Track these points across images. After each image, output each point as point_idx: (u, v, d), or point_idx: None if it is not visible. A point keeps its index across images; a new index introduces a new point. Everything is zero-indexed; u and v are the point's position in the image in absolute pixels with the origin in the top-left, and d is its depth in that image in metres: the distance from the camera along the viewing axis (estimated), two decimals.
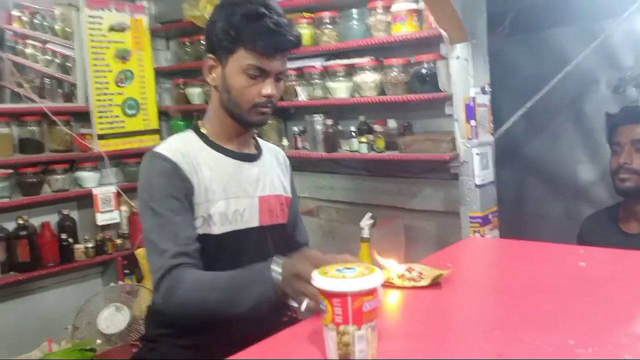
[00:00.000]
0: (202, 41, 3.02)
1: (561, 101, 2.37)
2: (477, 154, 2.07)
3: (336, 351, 0.73)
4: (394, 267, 1.10)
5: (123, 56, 3.02)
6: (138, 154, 3.07)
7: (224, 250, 1.27)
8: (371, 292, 0.73)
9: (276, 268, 1.03)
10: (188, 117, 3.22)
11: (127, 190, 2.95)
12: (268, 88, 1.24)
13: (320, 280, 0.74)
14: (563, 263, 1.14)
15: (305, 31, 2.45)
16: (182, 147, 1.27)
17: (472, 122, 2.07)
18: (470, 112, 2.06)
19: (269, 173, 1.39)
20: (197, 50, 3.09)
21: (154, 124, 3.18)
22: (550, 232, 2.12)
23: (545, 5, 2.29)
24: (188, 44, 3.14)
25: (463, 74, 2.06)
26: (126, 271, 2.96)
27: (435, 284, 1.05)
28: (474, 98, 2.06)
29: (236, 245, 1.29)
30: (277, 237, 1.39)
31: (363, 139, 2.38)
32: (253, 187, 1.34)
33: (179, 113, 3.28)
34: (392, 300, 1.00)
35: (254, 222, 1.32)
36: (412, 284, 1.05)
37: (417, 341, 0.81)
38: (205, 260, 1.22)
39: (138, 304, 2.57)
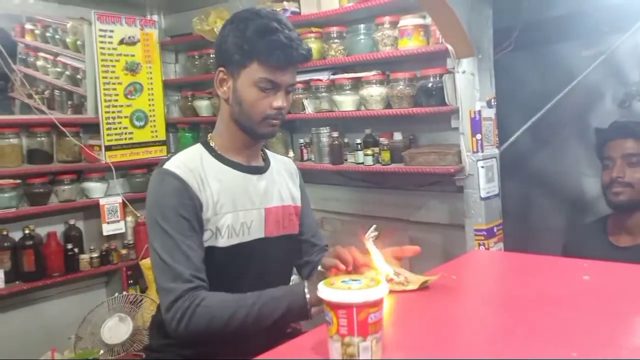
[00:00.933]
0: (211, 55, 3.07)
1: (567, 115, 2.37)
2: (483, 167, 2.08)
3: None
4: (383, 268, 1.11)
5: (132, 69, 3.06)
6: (145, 165, 3.10)
7: (230, 263, 1.29)
8: (376, 304, 0.74)
9: (306, 284, 1.15)
10: (196, 129, 3.25)
11: (133, 201, 2.97)
12: (279, 101, 1.27)
13: (326, 291, 0.74)
14: (567, 276, 1.14)
15: (313, 45, 2.48)
16: (190, 163, 1.28)
17: (478, 136, 2.07)
18: (475, 126, 2.07)
19: (277, 184, 1.41)
20: (205, 63, 3.13)
21: (161, 135, 3.21)
22: (555, 246, 2.11)
23: (551, 21, 2.31)
24: (197, 57, 3.18)
25: (469, 88, 2.08)
26: (130, 281, 2.96)
27: (423, 288, 1.08)
28: (479, 112, 2.07)
29: (242, 257, 1.31)
30: (287, 247, 1.41)
31: (368, 152, 2.40)
32: (260, 200, 1.35)
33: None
34: (396, 311, 1.01)
35: (260, 234, 1.34)
36: (401, 288, 1.08)
37: (420, 353, 0.81)
38: (212, 272, 1.24)
39: (141, 315, 2.57)
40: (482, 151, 2.08)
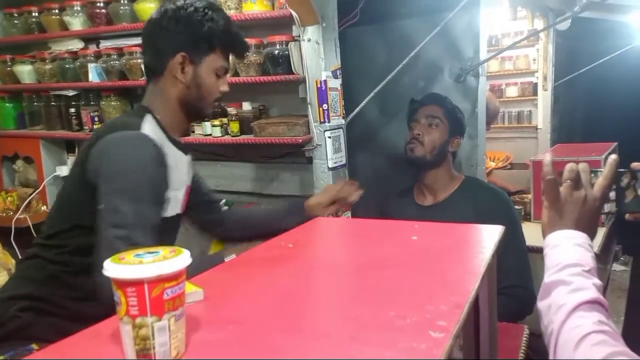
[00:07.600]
0: (33, 13, 2.65)
1: (410, 88, 2.47)
2: (330, 137, 2.07)
3: (133, 347, 0.63)
4: None
5: None
6: None
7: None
8: (175, 277, 0.63)
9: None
10: (18, 98, 2.82)
11: None
12: (225, 85, 1.45)
13: (112, 268, 0.62)
14: (399, 238, 1.15)
15: (150, 5, 2.26)
16: (158, 134, 1.34)
17: (325, 106, 2.05)
18: (322, 96, 2.05)
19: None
20: (26, 22, 2.71)
21: None
22: None
23: None
24: (16, 15, 2.74)
25: (315, 57, 2.04)
26: None
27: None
28: (325, 81, 2.04)
29: (166, 229, 1.39)
30: (178, 226, 1.53)
31: (216, 122, 2.27)
32: (187, 177, 1.49)
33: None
34: (221, 283, 0.92)
35: (178, 210, 1.44)
36: None
37: (237, 329, 0.73)
38: None
39: None
40: (329, 121, 2.07)
